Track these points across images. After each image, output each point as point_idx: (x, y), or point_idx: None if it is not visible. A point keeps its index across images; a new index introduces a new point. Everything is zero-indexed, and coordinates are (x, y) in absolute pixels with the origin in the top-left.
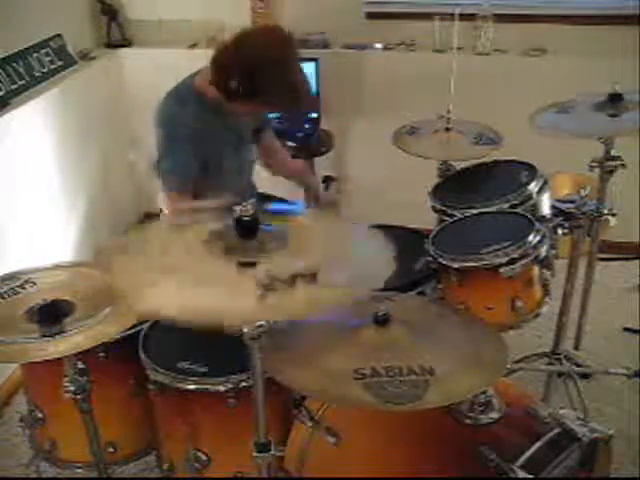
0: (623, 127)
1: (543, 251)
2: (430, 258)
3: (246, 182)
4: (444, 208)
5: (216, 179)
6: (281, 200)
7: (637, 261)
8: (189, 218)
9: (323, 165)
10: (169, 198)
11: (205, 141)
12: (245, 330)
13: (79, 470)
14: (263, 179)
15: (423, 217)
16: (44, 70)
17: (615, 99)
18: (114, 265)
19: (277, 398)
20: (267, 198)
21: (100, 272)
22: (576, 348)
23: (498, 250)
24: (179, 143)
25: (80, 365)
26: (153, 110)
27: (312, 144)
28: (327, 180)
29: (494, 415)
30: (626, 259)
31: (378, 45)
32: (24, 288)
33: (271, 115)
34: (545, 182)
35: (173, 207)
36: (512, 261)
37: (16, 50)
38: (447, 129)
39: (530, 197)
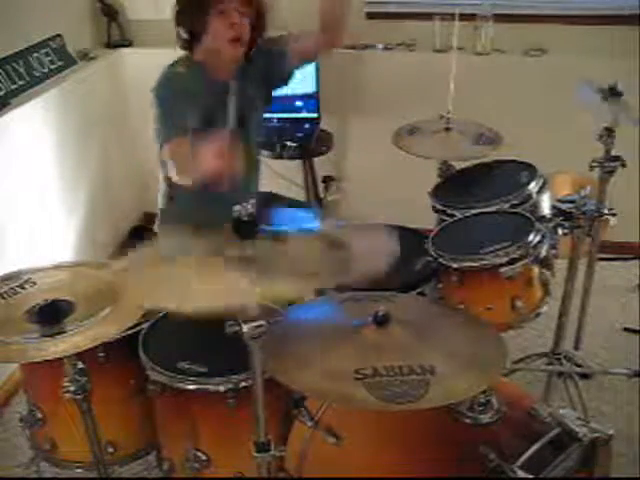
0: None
1: (543, 251)
2: (430, 258)
3: (251, 171)
4: (444, 208)
5: None
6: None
7: (637, 261)
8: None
9: (323, 165)
10: (168, 149)
11: (201, 106)
12: (245, 330)
13: (79, 470)
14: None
15: (423, 217)
16: (44, 70)
17: (614, 94)
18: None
19: (277, 398)
20: (272, 198)
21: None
22: (576, 348)
23: (498, 250)
24: (173, 99)
25: (80, 365)
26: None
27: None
28: (327, 180)
29: (494, 415)
30: (626, 259)
31: (378, 45)
32: (24, 288)
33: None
34: (545, 182)
35: (174, 154)
36: (512, 261)
37: (16, 50)
38: (447, 129)
39: (530, 197)
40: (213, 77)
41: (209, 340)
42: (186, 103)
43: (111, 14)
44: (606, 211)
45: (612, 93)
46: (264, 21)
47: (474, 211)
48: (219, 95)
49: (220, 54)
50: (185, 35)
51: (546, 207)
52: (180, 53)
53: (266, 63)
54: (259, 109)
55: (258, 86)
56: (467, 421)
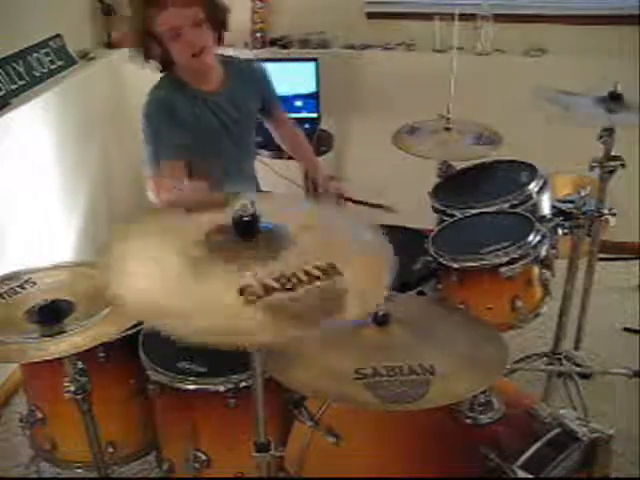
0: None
1: (543, 251)
2: (430, 258)
3: (245, 174)
4: (444, 208)
5: (207, 166)
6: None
7: (637, 261)
8: (173, 202)
9: (323, 165)
10: (151, 183)
11: (187, 124)
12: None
13: (79, 470)
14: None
15: (423, 217)
16: (44, 70)
17: (615, 98)
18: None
19: (277, 398)
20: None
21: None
22: (576, 348)
23: (498, 250)
24: (158, 127)
25: (80, 365)
26: None
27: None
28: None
29: (494, 415)
30: (626, 259)
31: (378, 45)
32: (24, 288)
33: None
34: (545, 182)
35: (156, 191)
36: (512, 261)
37: (16, 50)
38: (447, 129)
39: (530, 197)
40: (201, 89)
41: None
42: (176, 126)
43: (111, 14)
44: (606, 211)
45: (612, 97)
46: (222, 14)
47: (474, 211)
48: (208, 109)
49: (193, 69)
50: (157, 65)
51: (546, 207)
52: None
53: (262, 86)
54: (249, 115)
55: (249, 91)
56: (467, 421)
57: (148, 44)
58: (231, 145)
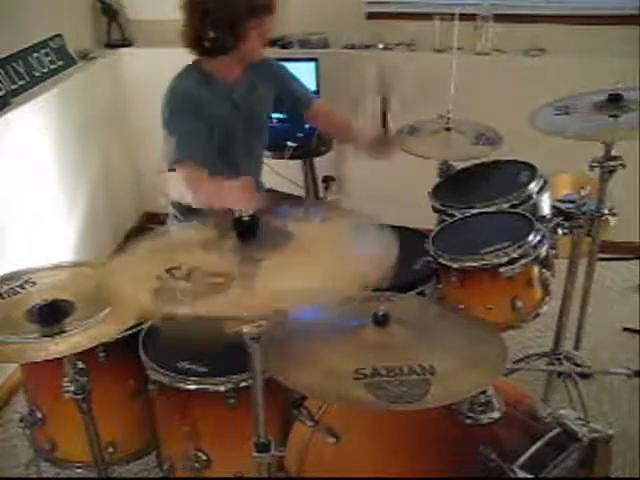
0: (624, 128)
1: (543, 251)
2: (430, 258)
3: (255, 173)
4: (444, 208)
5: (225, 163)
6: (289, 197)
7: (637, 261)
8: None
9: (323, 165)
10: (181, 168)
11: (208, 114)
12: (245, 330)
13: (79, 470)
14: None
15: (423, 217)
16: (44, 70)
17: (615, 99)
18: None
19: (277, 398)
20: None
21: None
22: (576, 348)
23: (498, 250)
24: (181, 113)
25: (80, 365)
26: (153, 110)
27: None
28: (327, 180)
29: (494, 415)
30: (626, 259)
31: (378, 45)
32: (24, 288)
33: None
34: (545, 182)
35: (187, 176)
36: (512, 261)
37: (16, 50)
38: (447, 129)
39: (530, 197)
40: (222, 82)
41: (209, 340)
42: (198, 117)
43: (111, 14)
44: (606, 211)
45: (612, 99)
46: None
47: (474, 211)
48: (230, 100)
49: (248, 59)
50: (217, 42)
51: (546, 207)
52: (179, 55)
53: (278, 81)
54: (267, 109)
55: (268, 88)
56: (467, 421)
57: (228, 19)
58: (245, 149)
